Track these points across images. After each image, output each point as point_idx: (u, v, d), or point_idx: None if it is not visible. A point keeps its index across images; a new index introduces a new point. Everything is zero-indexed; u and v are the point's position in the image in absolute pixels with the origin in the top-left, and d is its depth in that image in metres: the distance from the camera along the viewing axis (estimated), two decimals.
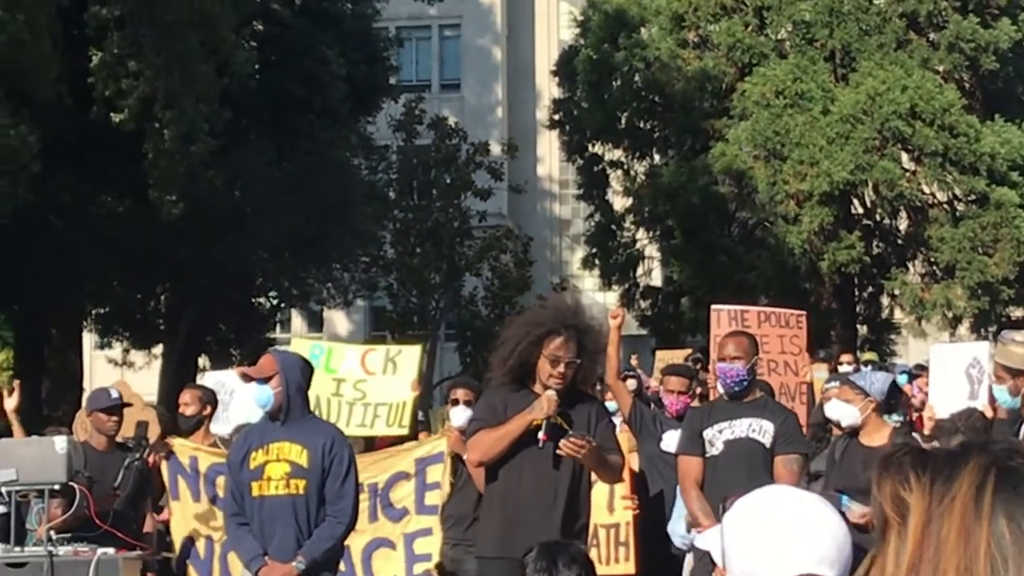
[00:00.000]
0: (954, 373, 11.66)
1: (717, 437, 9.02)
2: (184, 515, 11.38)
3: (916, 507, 1.49)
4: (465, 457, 9.54)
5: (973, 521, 1.46)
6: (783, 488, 3.29)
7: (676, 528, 9.96)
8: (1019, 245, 31.92)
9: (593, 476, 8.66)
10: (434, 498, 11.17)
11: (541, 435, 8.21)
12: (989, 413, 9.92)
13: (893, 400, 10.35)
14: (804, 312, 14.83)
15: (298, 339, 15.05)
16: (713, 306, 14.39)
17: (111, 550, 9.41)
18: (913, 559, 1.49)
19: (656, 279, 39.68)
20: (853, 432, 9.58)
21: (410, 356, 12.60)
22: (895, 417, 12.70)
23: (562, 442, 8.11)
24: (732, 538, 3.02)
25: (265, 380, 8.68)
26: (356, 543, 10.93)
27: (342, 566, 10.69)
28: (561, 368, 8.29)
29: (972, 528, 1.45)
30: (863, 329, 36.41)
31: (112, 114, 23.74)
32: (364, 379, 12.40)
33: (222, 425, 12.65)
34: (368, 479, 10.98)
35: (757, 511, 3.06)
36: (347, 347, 12.18)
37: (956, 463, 1.51)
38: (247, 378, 8.88)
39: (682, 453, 9.19)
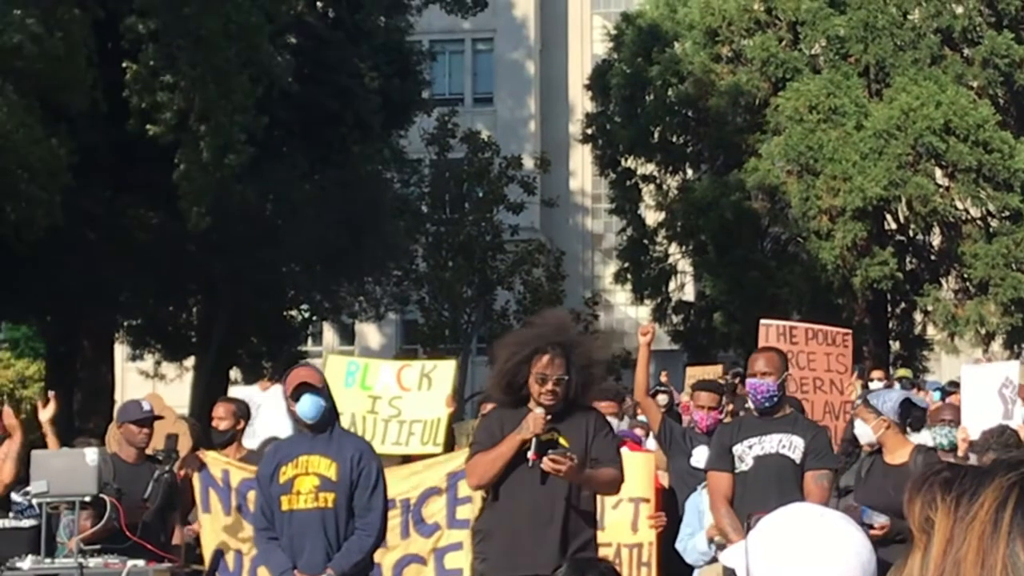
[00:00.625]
0: (986, 393, 11.63)
1: (747, 453, 9.01)
2: (214, 528, 11.40)
3: (940, 526, 1.49)
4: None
5: (990, 541, 1.45)
6: (807, 506, 3.28)
7: (690, 544, 9.96)
8: None
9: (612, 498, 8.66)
10: (465, 512, 11.15)
11: (530, 454, 8.23)
12: None
13: (909, 418, 10.32)
14: (850, 331, 14.80)
15: (333, 355, 15.00)
16: (762, 321, 14.38)
17: (141, 562, 9.44)
18: None
19: (688, 294, 39.63)
20: (878, 450, 9.57)
21: (445, 371, 12.59)
22: (924, 433, 12.70)
23: (544, 460, 8.10)
24: (757, 556, 3.01)
25: (319, 390, 8.70)
26: (388, 559, 10.94)
27: None
28: (550, 386, 8.28)
29: (989, 548, 1.45)
30: (896, 345, 36.31)
31: (148, 126, 23.82)
32: (400, 396, 12.39)
33: (250, 439, 12.67)
34: (400, 495, 10.99)
35: (782, 529, 3.05)
36: (382, 363, 12.18)
37: (981, 482, 1.50)
38: (306, 387, 8.80)
39: (711, 469, 9.18)
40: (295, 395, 8.74)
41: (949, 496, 1.51)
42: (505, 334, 8.81)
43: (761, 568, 3.00)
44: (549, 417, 8.28)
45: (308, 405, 8.76)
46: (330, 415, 8.74)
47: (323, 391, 8.73)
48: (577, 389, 8.47)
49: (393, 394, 12.38)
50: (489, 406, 12.05)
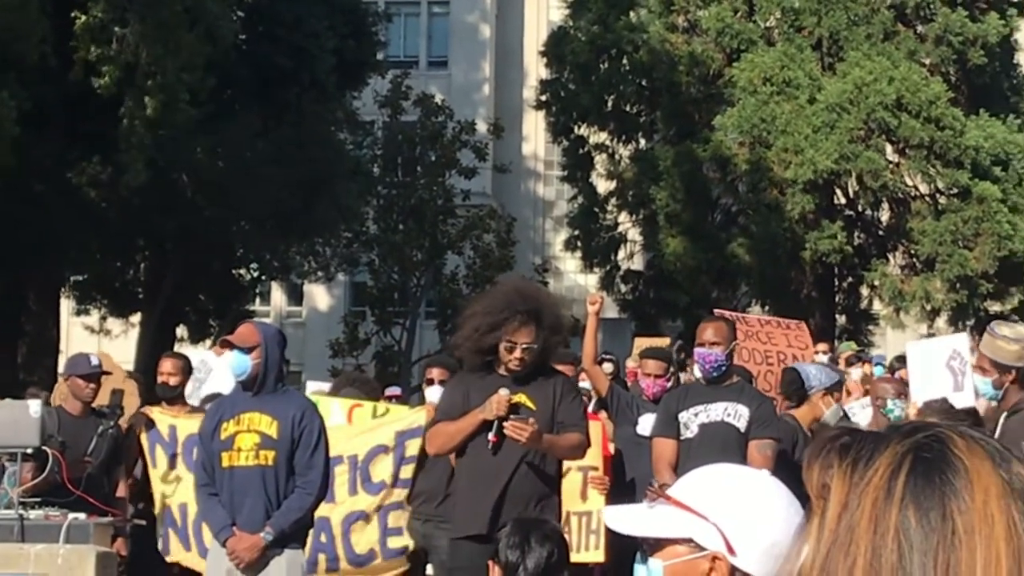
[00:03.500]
0: (934, 368, 11.69)
1: (692, 420, 9.06)
2: (162, 483, 11.40)
3: (836, 491, 1.50)
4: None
5: (883, 507, 1.46)
6: (731, 466, 3.31)
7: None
8: (999, 240, 31.98)
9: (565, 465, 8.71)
10: (408, 471, 11.19)
11: (491, 436, 8.30)
12: (982, 406, 9.96)
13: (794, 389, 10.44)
14: (803, 322, 14.96)
15: None
16: (716, 311, 14.58)
17: (82, 515, 9.41)
18: (829, 543, 1.49)
19: (637, 263, 39.69)
20: None
21: (398, 416, 12.05)
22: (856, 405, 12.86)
23: (506, 424, 8.20)
24: (737, 521, 3.01)
25: (247, 350, 8.68)
26: (336, 515, 10.97)
27: (323, 537, 10.76)
28: (518, 353, 8.38)
29: (882, 514, 1.46)
30: (842, 319, 36.47)
31: (94, 79, 23.65)
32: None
33: (193, 398, 12.63)
34: (349, 452, 11.03)
35: (744, 489, 3.08)
36: (333, 400, 12.06)
37: (877, 448, 1.51)
38: (227, 345, 8.86)
39: (657, 435, 9.23)
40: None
41: (845, 462, 1.52)
42: (471, 298, 8.90)
43: (744, 527, 3.02)
44: (511, 399, 8.33)
45: (234, 363, 8.80)
46: (267, 375, 8.71)
47: (257, 349, 8.69)
48: (544, 354, 8.55)
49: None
50: (435, 371, 12.07)
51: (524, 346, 8.38)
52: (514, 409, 8.35)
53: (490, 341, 8.46)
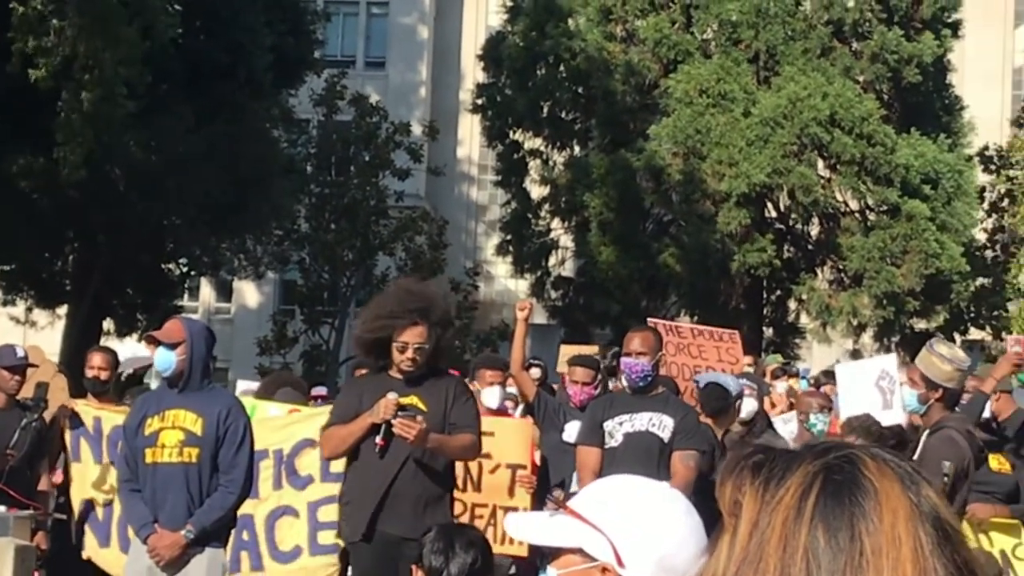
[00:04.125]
0: (864, 387, 11.77)
1: (617, 429, 9.09)
2: (84, 477, 11.31)
3: (747, 509, 1.52)
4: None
5: (793, 526, 1.48)
6: (630, 478, 3.36)
7: None
8: (927, 258, 32.25)
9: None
10: (339, 466, 11.15)
11: (378, 440, 8.40)
12: (905, 420, 10.09)
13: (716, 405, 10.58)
14: (736, 330, 15.04)
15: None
16: (649, 320, 14.66)
17: (2, 508, 9.35)
18: (739, 560, 1.51)
19: (568, 270, 39.76)
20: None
21: (323, 411, 12.10)
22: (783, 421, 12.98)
23: (394, 421, 8.32)
24: (629, 534, 3.05)
25: (172, 346, 8.65)
26: (260, 511, 10.90)
27: (245, 535, 10.70)
28: (410, 353, 8.50)
29: (792, 533, 1.48)
30: (769, 332, 36.66)
31: (31, 71, 23.48)
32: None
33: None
34: (273, 446, 10.97)
35: (639, 502, 3.12)
36: (271, 405, 12.03)
37: (789, 467, 1.53)
38: (153, 341, 8.83)
39: (581, 443, 9.26)
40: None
41: (758, 480, 1.54)
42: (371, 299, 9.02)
43: (634, 540, 3.05)
44: (399, 401, 8.43)
45: (158, 359, 8.79)
46: (192, 371, 8.69)
47: (183, 345, 8.67)
48: (436, 353, 8.65)
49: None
50: (362, 371, 12.07)
51: (416, 346, 8.51)
52: (403, 411, 8.44)
53: (383, 342, 8.57)
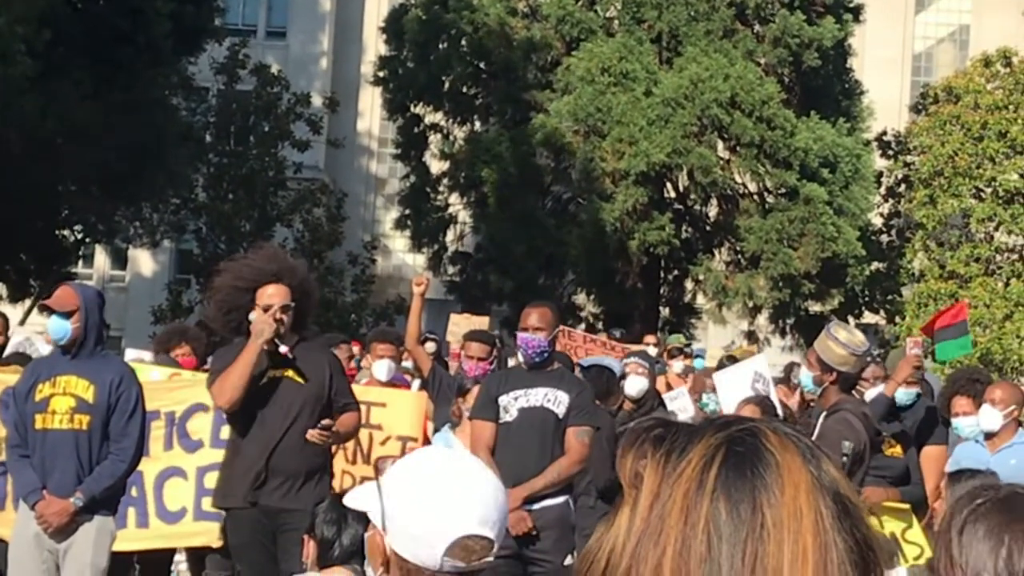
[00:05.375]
0: (741, 391, 11.93)
1: (512, 404, 9.08)
2: None
3: (648, 481, 1.51)
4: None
5: (695, 498, 1.47)
6: (439, 450, 3.44)
7: None
8: (824, 241, 32.54)
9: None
10: (227, 432, 11.12)
11: (283, 349, 8.41)
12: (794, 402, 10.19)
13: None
14: (630, 345, 15.32)
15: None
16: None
17: None
18: (640, 532, 1.50)
19: (467, 246, 39.73)
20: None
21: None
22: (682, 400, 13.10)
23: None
24: (394, 501, 3.13)
25: (66, 314, 8.55)
26: (149, 470, 10.84)
27: (134, 491, 10.64)
28: (276, 314, 8.46)
29: (693, 505, 1.47)
30: (665, 311, 36.85)
31: None
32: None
33: None
34: (165, 407, 10.93)
35: (417, 473, 3.17)
36: (153, 368, 11.92)
37: (691, 439, 1.52)
38: (46, 309, 8.72)
39: (475, 417, 9.25)
40: (48, 316, 8.68)
41: (659, 452, 1.52)
42: (224, 267, 8.94)
43: (399, 513, 3.14)
44: (275, 315, 8.44)
45: (50, 326, 8.74)
46: (87, 338, 8.60)
47: (77, 313, 8.57)
48: (304, 317, 8.66)
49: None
50: None
51: (282, 305, 8.50)
52: (284, 363, 8.40)
53: (243, 308, 8.58)
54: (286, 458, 8.43)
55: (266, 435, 8.47)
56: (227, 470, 8.76)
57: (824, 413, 8.30)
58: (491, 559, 3.20)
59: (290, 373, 8.55)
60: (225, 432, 11.13)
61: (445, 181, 37.78)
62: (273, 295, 8.51)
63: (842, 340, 8.34)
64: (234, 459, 8.66)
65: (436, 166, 38.56)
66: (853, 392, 8.74)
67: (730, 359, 18.53)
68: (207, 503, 11.08)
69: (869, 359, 9.96)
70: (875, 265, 37.37)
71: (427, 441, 11.02)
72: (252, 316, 8.54)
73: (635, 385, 11.46)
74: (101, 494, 8.53)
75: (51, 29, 25.22)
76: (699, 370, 16.70)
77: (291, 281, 8.62)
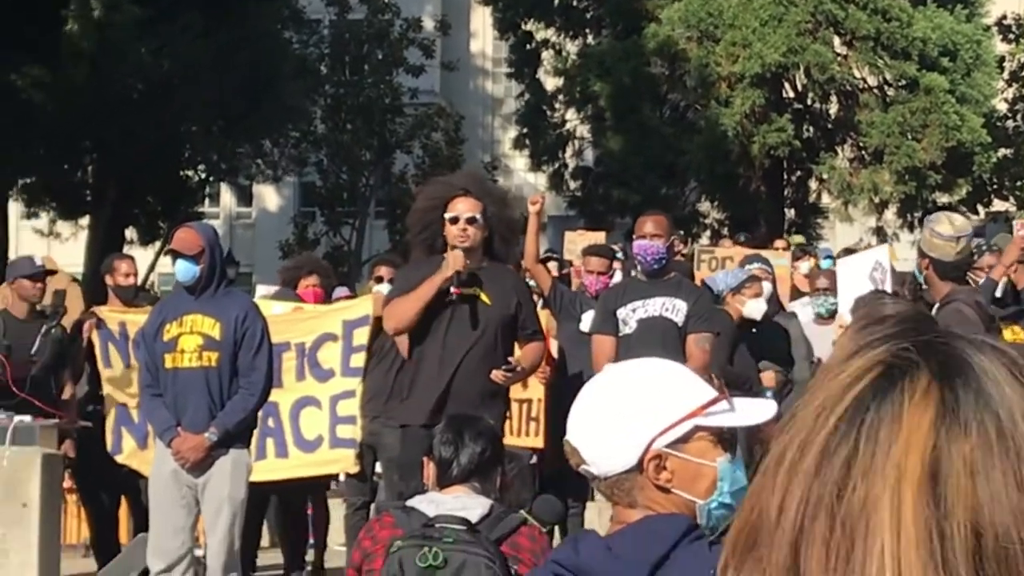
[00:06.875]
0: (859, 280, 11.85)
1: (631, 316, 9.11)
2: (116, 382, 11.39)
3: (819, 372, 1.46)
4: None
5: (829, 407, 1.41)
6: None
7: None
8: (947, 131, 32.06)
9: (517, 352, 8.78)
10: (358, 361, 11.27)
11: (453, 289, 8.32)
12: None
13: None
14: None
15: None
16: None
17: (28, 418, 9.44)
18: (783, 423, 1.46)
19: (587, 161, 39.62)
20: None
21: (344, 305, 12.03)
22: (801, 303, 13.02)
23: (494, 373, 8.31)
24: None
25: (192, 256, 8.69)
26: (284, 400, 11.05)
27: (271, 422, 10.86)
28: (462, 224, 8.38)
29: (826, 413, 1.41)
30: (791, 213, 36.58)
31: None
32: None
33: None
34: (295, 339, 11.12)
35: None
36: (275, 303, 12.06)
37: (871, 344, 1.44)
38: (171, 253, 8.87)
39: (595, 332, 9.29)
40: (173, 260, 8.81)
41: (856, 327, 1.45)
42: (420, 189, 8.95)
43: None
44: (468, 264, 8.36)
45: (178, 270, 8.85)
46: (210, 277, 8.74)
47: (201, 254, 8.71)
48: (498, 244, 8.59)
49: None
50: (383, 269, 12.13)
51: (467, 216, 8.41)
52: (471, 300, 8.40)
53: (436, 223, 8.49)
54: (467, 379, 8.40)
55: (448, 355, 8.43)
56: (407, 389, 8.77)
57: (937, 306, 8.24)
58: None
59: (478, 293, 8.51)
60: (355, 361, 11.30)
61: (560, 97, 37.65)
62: (460, 206, 8.44)
63: (937, 229, 8.27)
64: (415, 378, 8.64)
65: (551, 83, 38.43)
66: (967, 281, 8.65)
67: (846, 253, 18.36)
68: (342, 431, 11.27)
69: (978, 247, 9.84)
70: (1002, 152, 36.71)
71: (551, 359, 11.02)
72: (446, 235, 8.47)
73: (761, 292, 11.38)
74: (234, 428, 8.70)
75: None
76: (823, 270, 16.59)
77: (480, 195, 8.57)
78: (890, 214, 35.62)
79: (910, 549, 1.29)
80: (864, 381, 1.38)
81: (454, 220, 8.39)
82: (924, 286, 8.64)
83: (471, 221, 8.40)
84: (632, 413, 3.02)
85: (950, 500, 1.30)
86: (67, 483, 11.94)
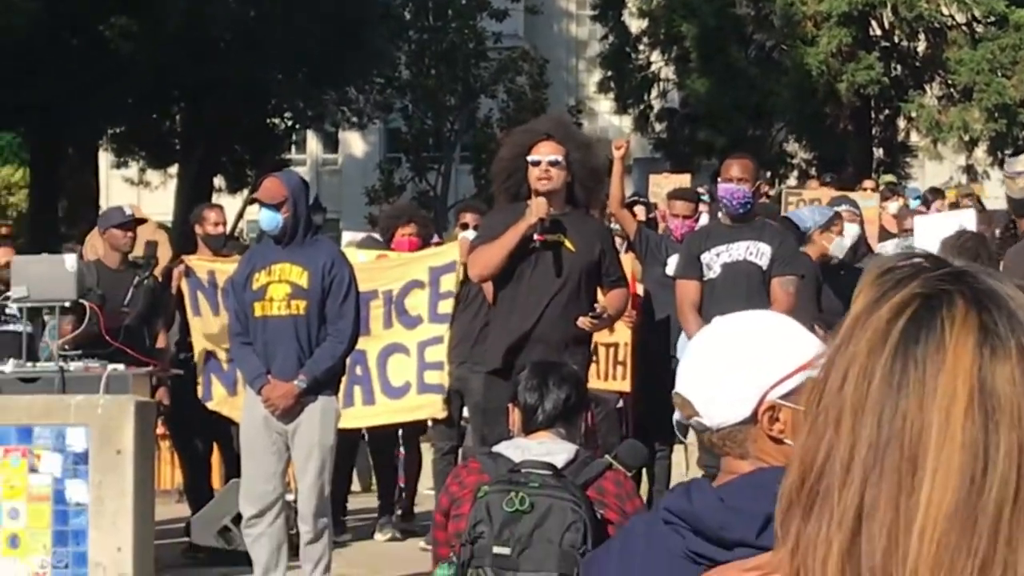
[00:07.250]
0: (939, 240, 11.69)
1: (715, 260, 9.11)
2: (206, 330, 11.54)
3: (853, 309, 1.51)
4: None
5: (877, 345, 1.47)
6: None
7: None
8: None
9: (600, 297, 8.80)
10: (446, 307, 11.34)
11: (536, 236, 8.35)
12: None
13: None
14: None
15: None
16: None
17: (121, 366, 9.55)
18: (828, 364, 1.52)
19: (672, 102, 39.43)
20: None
21: (430, 251, 12.06)
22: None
23: (581, 320, 8.32)
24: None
25: (276, 206, 8.79)
26: (372, 347, 11.15)
27: (358, 370, 10.97)
28: (544, 167, 8.39)
29: (876, 351, 1.46)
30: (879, 152, 36.27)
31: None
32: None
33: None
34: (383, 287, 11.20)
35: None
36: (360, 252, 12.14)
37: (899, 283, 1.49)
38: (255, 202, 8.98)
39: (680, 277, 9.29)
40: (259, 209, 8.91)
41: (874, 284, 1.50)
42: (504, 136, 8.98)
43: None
44: (552, 211, 8.37)
45: (262, 219, 8.96)
46: (296, 226, 8.83)
47: (284, 203, 8.79)
48: (580, 191, 8.60)
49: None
50: (468, 215, 12.17)
51: (550, 159, 8.42)
52: (554, 246, 8.43)
53: (520, 169, 8.52)
54: (551, 326, 8.40)
55: (533, 302, 8.45)
56: (492, 334, 8.83)
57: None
58: None
59: (562, 239, 8.51)
60: (443, 307, 11.37)
61: (645, 39, 37.47)
62: (543, 148, 8.45)
63: (1008, 171, 8.21)
64: (500, 324, 8.68)
65: (635, 25, 38.23)
66: None
67: (933, 192, 18.15)
68: (429, 376, 11.36)
69: None
70: None
71: (636, 302, 11.05)
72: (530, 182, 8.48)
73: (850, 232, 11.29)
74: (323, 375, 8.81)
75: None
76: (912, 210, 16.47)
77: (563, 140, 8.56)
78: (980, 152, 35.22)
79: (958, 466, 1.36)
80: (906, 315, 1.44)
81: (536, 163, 8.40)
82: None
83: (553, 164, 8.40)
84: (747, 365, 3.07)
85: (996, 418, 1.37)
86: (160, 430, 12.11)
